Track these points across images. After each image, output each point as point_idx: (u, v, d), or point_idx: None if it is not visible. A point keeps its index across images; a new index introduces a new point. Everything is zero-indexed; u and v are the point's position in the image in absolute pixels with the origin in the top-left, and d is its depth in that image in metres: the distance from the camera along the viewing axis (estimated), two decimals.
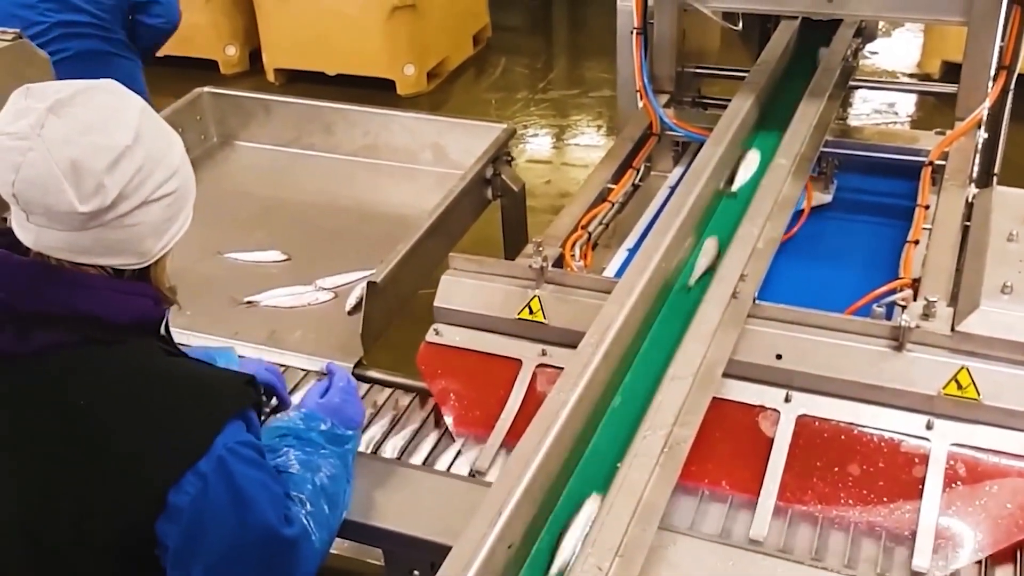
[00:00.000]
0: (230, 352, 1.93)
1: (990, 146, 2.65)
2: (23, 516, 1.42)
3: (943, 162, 2.48)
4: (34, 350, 1.41)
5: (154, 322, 1.52)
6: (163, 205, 1.44)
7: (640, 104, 2.84)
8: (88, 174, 1.35)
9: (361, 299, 2.19)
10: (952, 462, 1.72)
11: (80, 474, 1.40)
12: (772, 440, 1.79)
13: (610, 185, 2.58)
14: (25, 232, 1.41)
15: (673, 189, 2.52)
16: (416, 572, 1.75)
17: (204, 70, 5.91)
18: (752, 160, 2.43)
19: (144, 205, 1.41)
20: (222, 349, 1.93)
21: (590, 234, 2.39)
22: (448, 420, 1.97)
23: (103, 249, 1.41)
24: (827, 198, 2.63)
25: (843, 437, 1.79)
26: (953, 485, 1.70)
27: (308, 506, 1.55)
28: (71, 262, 1.42)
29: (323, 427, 1.71)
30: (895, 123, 5.24)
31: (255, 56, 6.21)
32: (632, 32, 2.81)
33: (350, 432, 1.75)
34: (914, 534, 1.65)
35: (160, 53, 3.74)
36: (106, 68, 3.10)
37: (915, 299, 1.96)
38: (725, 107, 2.61)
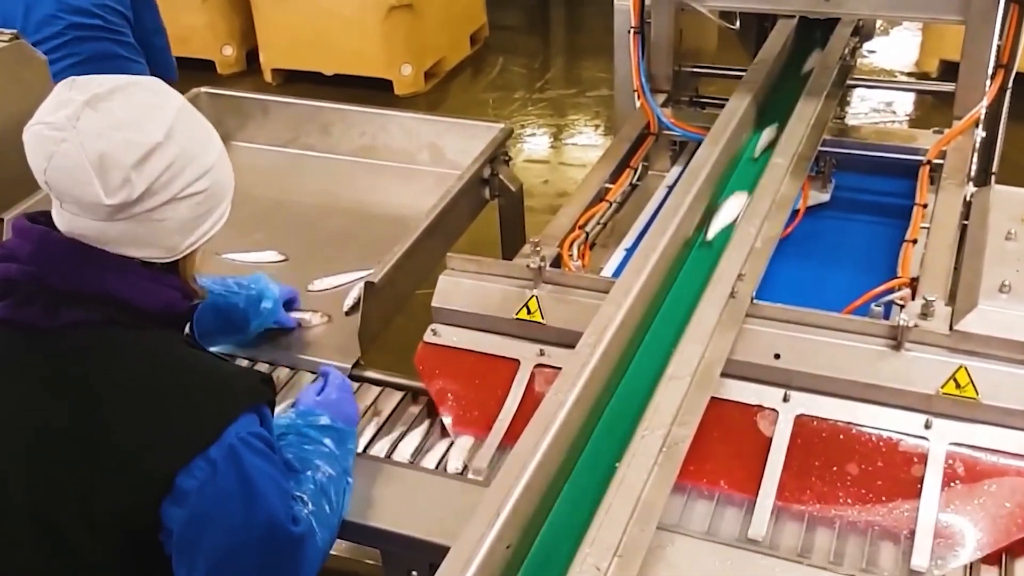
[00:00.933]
0: (262, 277, 2.12)
1: (988, 145, 2.65)
2: (31, 494, 1.43)
3: (941, 161, 2.48)
4: (59, 325, 1.45)
5: (179, 315, 1.56)
6: (192, 203, 1.48)
7: (637, 104, 2.84)
8: (115, 168, 1.39)
9: (359, 299, 2.19)
10: (950, 461, 1.72)
11: (87, 454, 1.41)
12: (770, 440, 1.79)
13: (608, 185, 2.58)
14: (60, 218, 1.46)
15: (671, 188, 2.52)
16: (414, 572, 1.75)
17: (201, 70, 5.89)
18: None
19: (172, 201, 1.45)
20: (254, 276, 2.11)
21: (588, 234, 2.39)
22: (446, 420, 1.97)
23: (130, 240, 1.45)
24: (825, 197, 2.63)
25: (841, 436, 1.78)
26: (952, 484, 1.70)
27: (310, 505, 1.56)
28: (102, 250, 1.45)
29: (322, 422, 1.71)
30: (893, 122, 5.24)
31: (252, 56, 6.20)
32: (629, 31, 2.81)
33: (348, 429, 1.75)
34: (913, 533, 1.65)
35: None
36: (117, 72, 3.09)
37: (913, 298, 1.95)
38: (722, 106, 2.60)
